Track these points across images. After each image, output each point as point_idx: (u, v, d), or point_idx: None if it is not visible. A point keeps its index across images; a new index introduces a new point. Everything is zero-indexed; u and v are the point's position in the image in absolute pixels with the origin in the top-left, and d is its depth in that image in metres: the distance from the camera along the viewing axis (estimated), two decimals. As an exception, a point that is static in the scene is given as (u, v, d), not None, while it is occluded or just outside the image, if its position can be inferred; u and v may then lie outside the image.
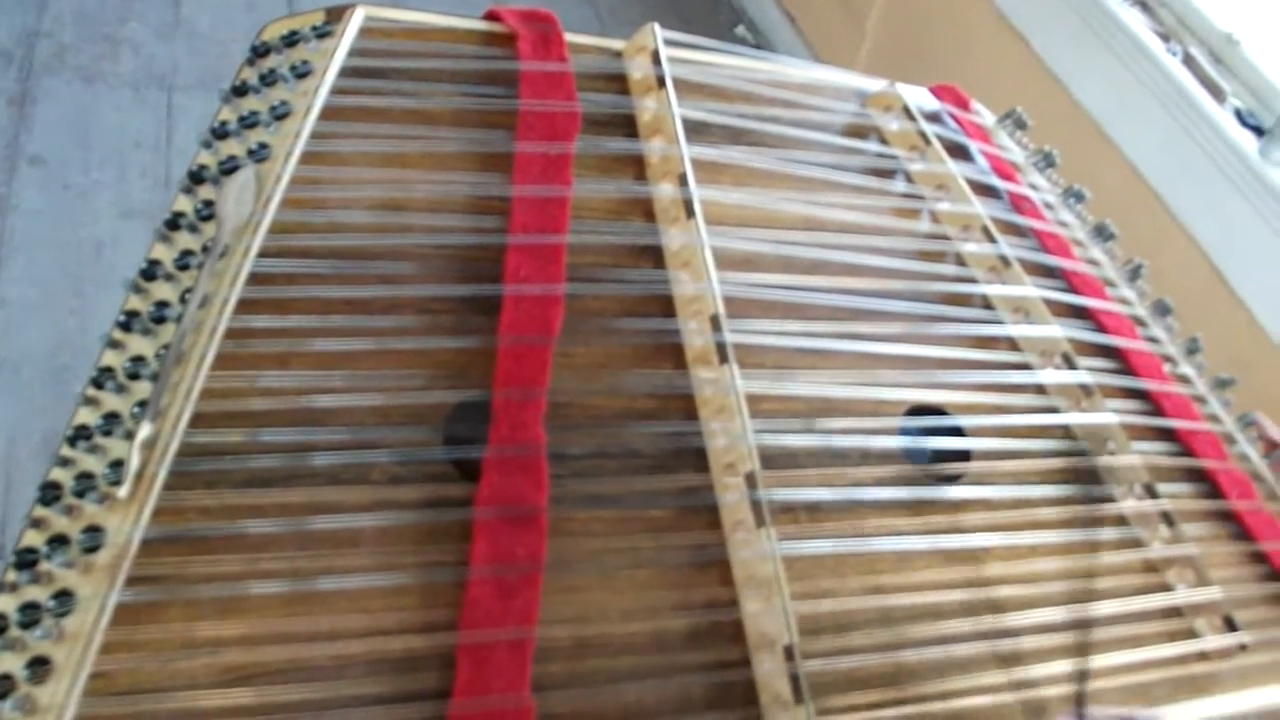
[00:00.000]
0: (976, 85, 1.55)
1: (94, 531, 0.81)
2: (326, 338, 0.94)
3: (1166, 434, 1.27)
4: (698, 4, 4.07)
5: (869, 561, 1.02)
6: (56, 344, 2.39)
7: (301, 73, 1.05)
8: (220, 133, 1.01)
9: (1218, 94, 2.40)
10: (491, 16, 1.19)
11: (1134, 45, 2.50)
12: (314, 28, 1.08)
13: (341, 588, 0.85)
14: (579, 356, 1.02)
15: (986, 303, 1.26)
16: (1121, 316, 1.35)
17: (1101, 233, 1.44)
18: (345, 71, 1.06)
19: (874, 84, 1.39)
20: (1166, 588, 1.15)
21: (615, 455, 0.99)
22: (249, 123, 1.02)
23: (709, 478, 1.00)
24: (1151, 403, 1.29)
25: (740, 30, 3.99)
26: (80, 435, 0.86)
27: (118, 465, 0.84)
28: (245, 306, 0.92)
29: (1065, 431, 1.21)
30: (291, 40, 1.07)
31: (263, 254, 0.94)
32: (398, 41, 1.11)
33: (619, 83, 1.21)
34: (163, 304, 0.92)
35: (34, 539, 0.81)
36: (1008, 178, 1.40)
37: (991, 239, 1.28)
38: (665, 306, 1.08)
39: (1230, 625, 1.13)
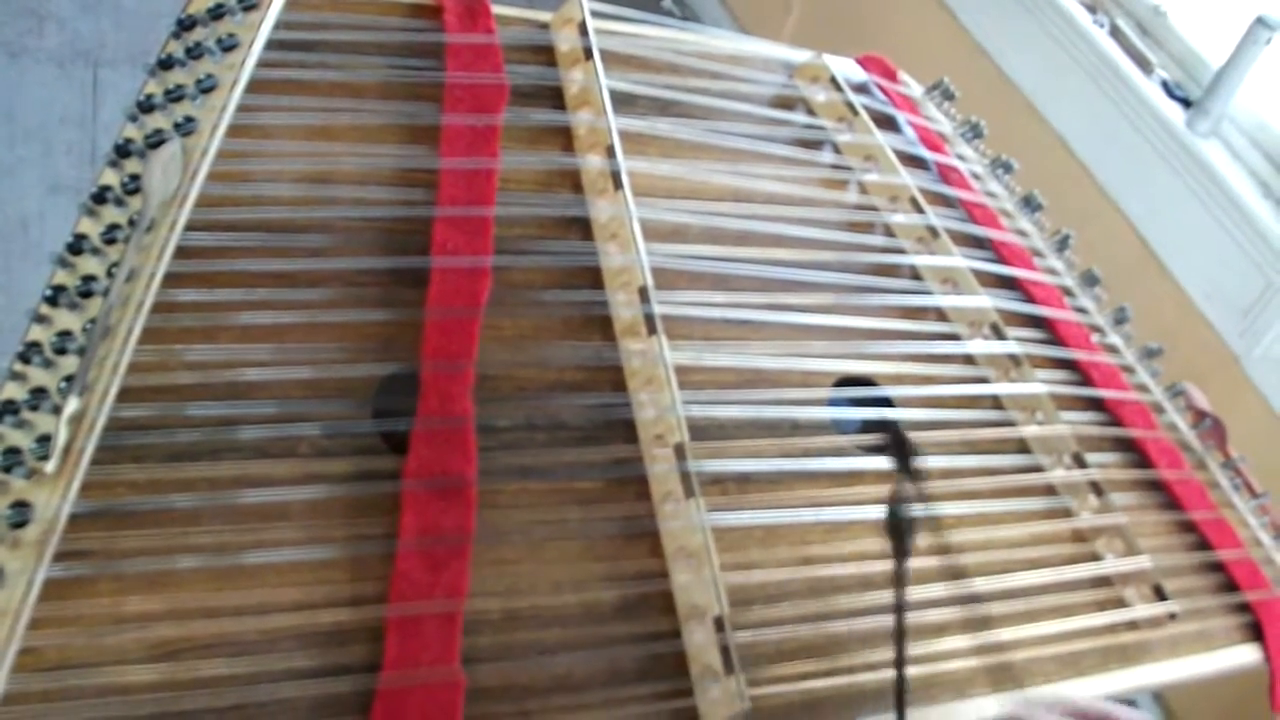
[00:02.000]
0: (904, 57, 1.56)
1: (21, 507, 0.80)
2: (253, 311, 0.94)
3: (1095, 404, 1.28)
4: (624, -23, 4.05)
5: (799, 532, 1.03)
6: (-16, 320, 2.38)
7: (228, 46, 1.04)
8: (146, 106, 1.01)
9: (1145, 65, 2.42)
10: (418, -12, 1.19)
11: (1061, 16, 2.52)
12: (240, 0, 1.07)
13: (270, 561, 0.85)
14: (507, 329, 1.02)
15: (915, 273, 1.27)
16: (1050, 287, 1.35)
17: (1029, 203, 1.45)
18: (271, 44, 1.05)
19: (801, 55, 1.39)
20: (1096, 557, 1.16)
21: (544, 427, 0.99)
22: (175, 96, 1.01)
23: (638, 449, 1.01)
24: (1080, 373, 1.30)
25: (666, 3, 3.99)
26: (7, 410, 0.85)
27: (45, 440, 0.83)
28: (172, 280, 0.91)
29: (994, 402, 1.21)
30: (217, 13, 1.06)
31: (189, 228, 0.94)
32: (324, 14, 1.11)
33: (546, 54, 1.21)
34: (89, 278, 0.91)
35: (-40, 515, 0.81)
36: (935, 149, 1.41)
37: (919, 210, 1.29)
38: (593, 278, 1.08)
39: (1160, 594, 1.14)
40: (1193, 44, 2.43)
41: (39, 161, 2.70)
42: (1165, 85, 2.40)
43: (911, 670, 0.99)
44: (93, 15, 3.05)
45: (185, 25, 1.05)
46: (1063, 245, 1.43)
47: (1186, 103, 2.35)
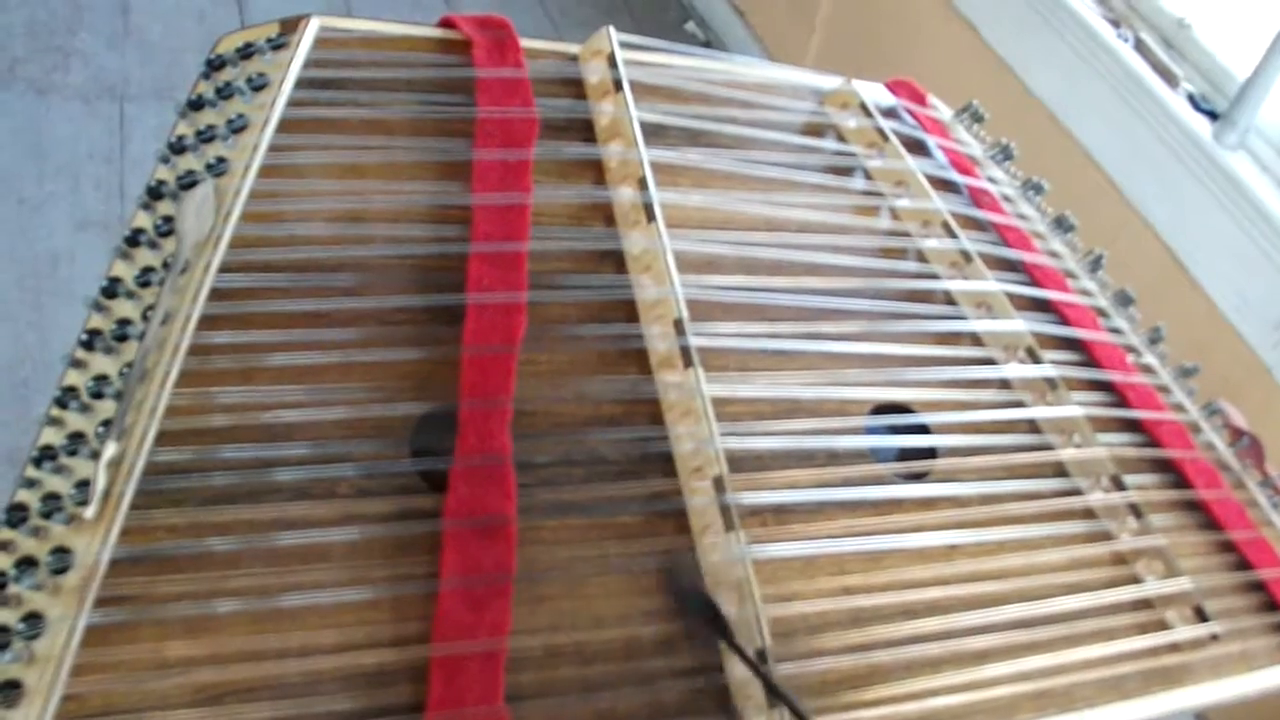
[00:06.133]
0: (928, 77, 1.55)
1: (62, 553, 0.80)
2: (290, 352, 0.94)
3: (1132, 425, 1.27)
4: (647, 1, 4.06)
5: (838, 562, 1.02)
6: (16, 358, 2.37)
7: (258, 85, 1.04)
8: (178, 148, 1.01)
9: (1170, 79, 2.41)
10: (446, 24, 1.18)
11: (1085, 32, 2.51)
12: (269, 39, 1.07)
13: (311, 603, 0.84)
14: (543, 364, 1.02)
15: (949, 299, 1.27)
16: (1084, 308, 1.35)
17: (1061, 224, 1.45)
18: (301, 83, 1.06)
19: (830, 82, 1.39)
20: (1136, 580, 1.15)
21: (582, 462, 0.99)
22: (206, 137, 1.02)
23: (676, 482, 1.00)
24: (1116, 394, 1.29)
25: (690, 27, 3.99)
26: (45, 456, 0.85)
27: (84, 485, 0.83)
28: (207, 322, 0.92)
29: (1031, 425, 1.21)
30: (247, 53, 1.06)
31: (224, 269, 0.94)
32: (353, 51, 1.11)
33: (575, 87, 1.21)
34: (125, 322, 0.92)
35: (2, 562, 0.81)
36: (966, 172, 1.41)
37: (952, 234, 1.29)
38: (628, 311, 1.08)
39: (1201, 616, 1.13)
40: (1218, 56, 2.42)
41: (67, 197, 2.70)
42: (1191, 98, 2.39)
43: (954, 698, 0.99)
44: (118, 51, 3.06)
45: (215, 65, 1.06)
46: (1096, 266, 1.43)
47: (1213, 115, 2.34)
